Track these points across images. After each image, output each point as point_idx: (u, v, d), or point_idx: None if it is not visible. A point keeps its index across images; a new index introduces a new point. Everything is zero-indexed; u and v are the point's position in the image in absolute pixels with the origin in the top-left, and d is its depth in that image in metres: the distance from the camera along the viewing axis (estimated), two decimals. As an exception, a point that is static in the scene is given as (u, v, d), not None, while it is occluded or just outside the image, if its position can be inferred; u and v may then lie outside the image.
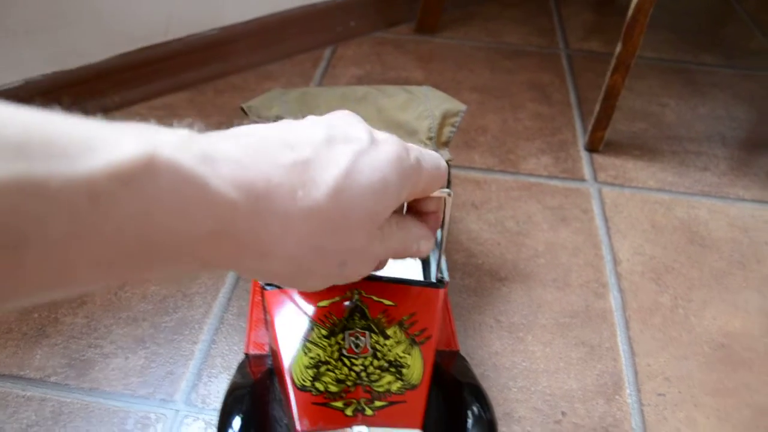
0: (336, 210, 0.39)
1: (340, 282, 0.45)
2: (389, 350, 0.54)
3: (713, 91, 1.27)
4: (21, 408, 0.68)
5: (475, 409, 0.55)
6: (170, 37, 1.13)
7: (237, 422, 0.54)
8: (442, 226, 0.68)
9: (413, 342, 0.55)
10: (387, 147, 0.42)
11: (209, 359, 0.74)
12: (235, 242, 0.36)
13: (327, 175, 0.39)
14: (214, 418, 0.65)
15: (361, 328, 0.55)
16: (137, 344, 0.75)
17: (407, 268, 0.70)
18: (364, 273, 0.46)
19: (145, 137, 0.31)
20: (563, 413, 0.70)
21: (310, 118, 0.43)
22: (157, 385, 0.71)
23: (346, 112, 0.45)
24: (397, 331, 0.56)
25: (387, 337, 0.55)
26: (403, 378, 0.53)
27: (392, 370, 0.53)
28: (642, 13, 0.92)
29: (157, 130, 0.33)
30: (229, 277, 0.82)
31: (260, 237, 0.37)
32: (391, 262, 0.70)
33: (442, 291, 0.60)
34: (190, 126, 0.35)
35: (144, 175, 0.30)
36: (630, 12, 0.94)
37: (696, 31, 1.50)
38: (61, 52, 1.03)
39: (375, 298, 0.57)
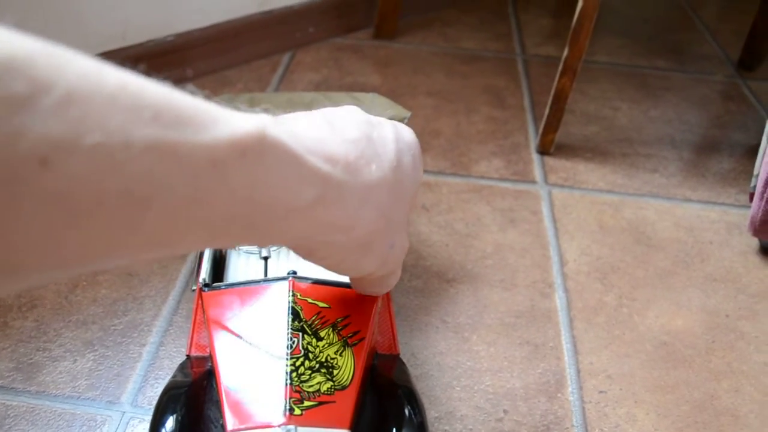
0: (397, 180, 0.44)
1: (384, 269, 0.50)
2: (321, 351, 0.55)
3: (665, 95, 1.30)
4: (-35, 413, 0.68)
5: (406, 411, 0.56)
6: (128, 42, 1.14)
7: (170, 422, 0.54)
8: None
9: (345, 344, 0.57)
10: (403, 128, 0.50)
11: (157, 361, 0.74)
12: (328, 214, 0.39)
13: (387, 150, 0.44)
14: (160, 419, 0.66)
15: (294, 330, 0.56)
16: (86, 347, 0.75)
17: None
18: (399, 262, 0.52)
19: (254, 116, 0.35)
20: (505, 411, 0.72)
21: (331, 107, 0.49)
22: (104, 388, 0.71)
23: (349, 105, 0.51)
24: (330, 333, 0.57)
25: (320, 339, 0.56)
26: (334, 378, 0.54)
27: (323, 371, 0.54)
28: (587, 18, 0.95)
29: (255, 112, 0.36)
30: (179, 281, 0.83)
31: (347, 208, 0.40)
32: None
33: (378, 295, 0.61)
34: None
35: (257, 148, 0.33)
36: (575, 17, 0.96)
37: (650, 37, 1.53)
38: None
39: (310, 300, 0.58)
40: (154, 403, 0.69)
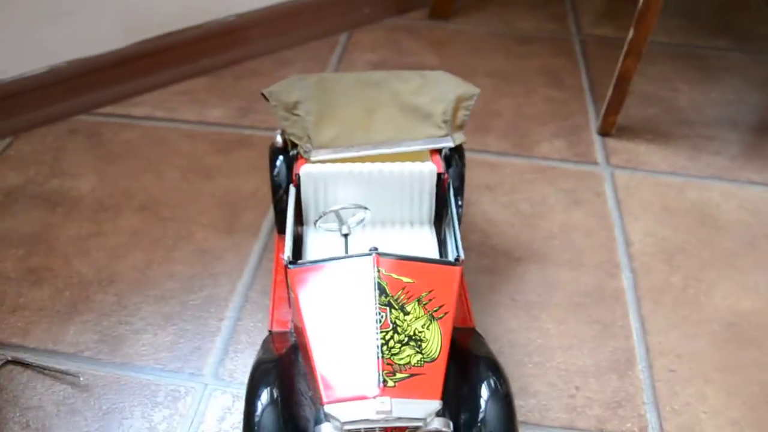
0: None
1: None
2: (408, 325, 0.57)
3: (725, 76, 1.28)
4: (57, 382, 0.71)
5: (491, 381, 0.57)
6: (188, 24, 1.16)
7: (265, 395, 0.56)
8: (449, 206, 0.71)
9: (432, 317, 0.58)
10: None
11: (235, 335, 0.76)
12: None
13: None
14: (242, 391, 0.68)
15: (382, 304, 0.57)
16: (166, 321, 0.78)
17: (424, 247, 0.73)
18: None
19: None
20: (577, 388, 0.73)
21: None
22: (185, 360, 0.74)
23: None
24: (416, 307, 0.58)
25: (406, 313, 0.58)
26: (423, 351, 0.56)
27: (412, 344, 0.56)
28: (654, 0, 0.94)
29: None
30: (252, 258, 0.85)
31: None
32: (407, 235, 0.73)
33: (458, 269, 0.62)
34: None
35: None
36: (642, -1, 0.95)
37: (708, 17, 1.51)
38: (83, 40, 1.06)
39: (394, 275, 0.60)
40: (235, 375, 0.73)
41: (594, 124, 1.11)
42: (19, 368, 0.72)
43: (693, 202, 0.97)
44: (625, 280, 0.85)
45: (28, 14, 0.99)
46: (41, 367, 0.72)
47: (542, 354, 0.75)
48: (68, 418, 0.68)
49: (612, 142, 1.08)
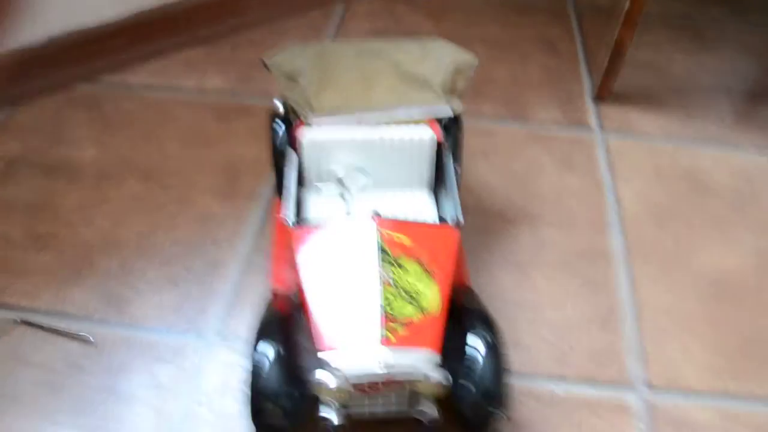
0: None
1: None
2: (409, 284, 0.59)
3: (719, 45, 1.29)
4: (66, 342, 0.74)
5: (485, 335, 0.60)
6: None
7: (270, 351, 0.59)
8: (447, 172, 0.73)
9: (431, 277, 0.60)
10: None
11: (238, 297, 0.79)
12: None
13: None
14: (245, 349, 0.70)
15: (384, 264, 0.60)
16: (170, 284, 0.80)
17: (423, 211, 0.75)
18: None
19: None
20: (566, 341, 0.75)
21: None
22: (190, 321, 0.76)
23: None
24: (416, 267, 0.61)
25: (407, 272, 0.60)
26: (422, 308, 0.58)
27: (412, 301, 0.58)
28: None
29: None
30: (254, 222, 0.87)
31: None
32: (407, 200, 0.75)
33: (456, 231, 0.65)
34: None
35: None
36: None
37: (703, -15, 1.51)
38: (81, 10, 1.07)
39: (395, 237, 0.62)
40: (239, 333, 0.75)
41: (589, 91, 1.13)
42: (30, 329, 0.75)
43: (684, 167, 0.99)
44: (615, 239, 0.87)
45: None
46: (51, 329, 0.75)
47: (533, 310, 0.78)
48: (78, 376, 0.71)
49: (606, 109, 1.09)
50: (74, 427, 0.67)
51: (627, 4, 1.00)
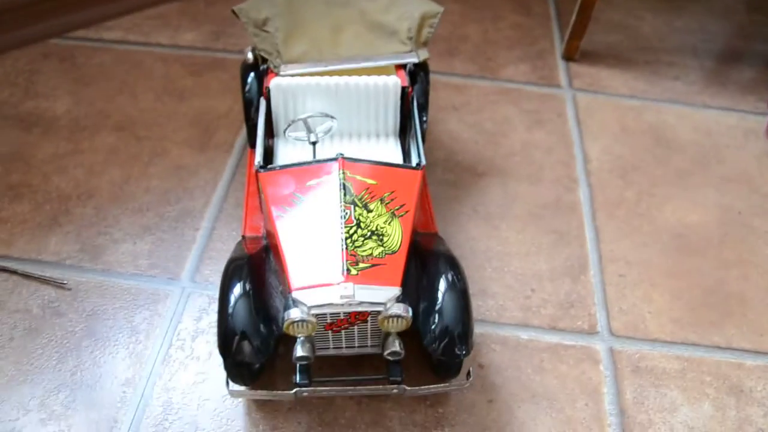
0: None
1: None
2: (371, 221, 0.62)
3: (689, 5, 1.31)
4: (42, 287, 0.75)
5: (448, 275, 0.62)
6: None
7: (237, 288, 0.61)
8: (413, 118, 0.75)
9: (393, 215, 0.62)
10: None
11: (210, 243, 0.80)
12: None
13: None
14: (216, 293, 0.72)
15: (346, 203, 0.62)
16: (144, 231, 0.81)
17: (389, 156, 0.77)
18: None
19: None
20: (533, 290, 0.78)
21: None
22: (163, 267, 0.78)
23: None
24: (379, 206, 0.63)
25: (369, 211, 0.62)
26: (384, 245, 0.60)
27: (374, 238, 0.60)
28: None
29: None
30: (226, 172, 0.89)
31: None
32: (373, 146, 0.77)
33: (419, 172, 0.67)
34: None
35: None
36: None
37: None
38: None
39: (359, 177, 0.64)
40: (211, 279, 0.77)
41: (559, 49, 1.15)
42: (4, 275, 0.76)
43: (650, 123, 1.02)
44: (582, 193, 0.90)
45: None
46: (27, 274, 0.76)
47: (501, 260, 0.81)
48: (54, 319, 0.72)
49: (575, 67, 1.11)
50: (53, 370, 0.68)
51: (597, -38, 1.02)
